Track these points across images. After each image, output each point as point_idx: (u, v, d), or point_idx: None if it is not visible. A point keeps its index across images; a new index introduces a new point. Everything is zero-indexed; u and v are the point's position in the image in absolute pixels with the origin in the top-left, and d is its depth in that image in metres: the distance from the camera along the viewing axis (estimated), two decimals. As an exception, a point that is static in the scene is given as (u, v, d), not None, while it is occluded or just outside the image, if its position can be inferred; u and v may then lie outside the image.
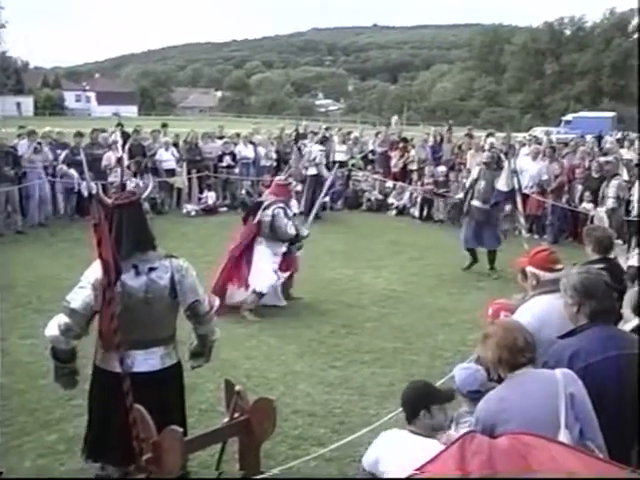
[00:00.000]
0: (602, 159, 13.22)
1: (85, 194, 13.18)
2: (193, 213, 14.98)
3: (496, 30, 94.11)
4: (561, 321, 3.67)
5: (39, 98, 76.28)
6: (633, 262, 4.71)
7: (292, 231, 8.18)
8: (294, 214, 8.79)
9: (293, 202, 9.38)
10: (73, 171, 13.44)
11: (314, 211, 9.70)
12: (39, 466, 4.59)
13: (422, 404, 3.42)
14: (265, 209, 8.15)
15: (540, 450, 2.26)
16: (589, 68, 77.14)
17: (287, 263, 8.43)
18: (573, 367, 3.06)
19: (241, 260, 8.19)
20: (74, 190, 13.63)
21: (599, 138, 23.32)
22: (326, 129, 18.88)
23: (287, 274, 8.48)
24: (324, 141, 15.81)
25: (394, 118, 34.61)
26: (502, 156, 10.49)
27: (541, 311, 3.84)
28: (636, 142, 19.12)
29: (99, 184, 10.94)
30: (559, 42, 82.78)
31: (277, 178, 9.57)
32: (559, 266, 3.94)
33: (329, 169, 14.37)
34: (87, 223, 11.32)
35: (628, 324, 4.22)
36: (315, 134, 17.32)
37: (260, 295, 8.14)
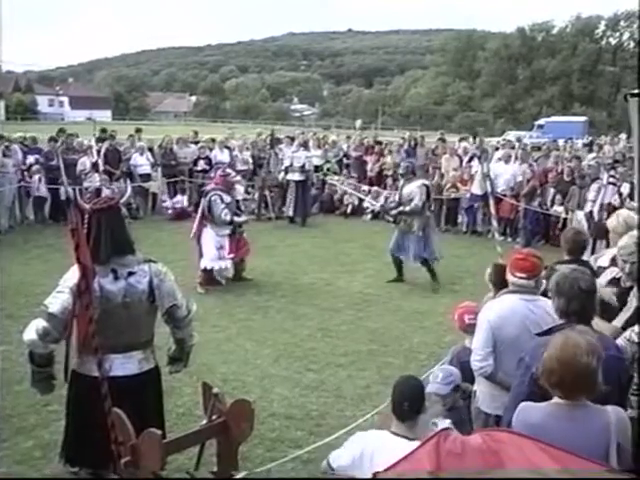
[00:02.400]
0: (584, 163, 13.44)
1: (62, 198, 13.10)
2: (171, 211, 14.98)
3: (470, 36, 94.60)
4: (523, 321, 3.83)
5: (10, 102, 75.07)
6: (602, 263, 4.79)
7: (227, 217, 9.05)
8: (236, 201, 9.65)
9: (238, 189, 10.13)
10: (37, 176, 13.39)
11: None
12: (15, 473, 4.56)
13: (423, 402, 3.27)
14: (205, 196, 9.25)
15: (512, 446, 2.30)
16: (559, 73, 78.07)
17: (234, 247, 9.26)
18: None
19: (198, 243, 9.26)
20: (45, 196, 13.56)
21: (590, 143, 23.99)
22: (302, 134, 18.80)
23: (232, 256, 9.26)
24: (305, 146, 15.67)
25: (358, 122, 35.57)
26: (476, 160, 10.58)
27: (504, 309, 3.94)
28: (605, 146, 19.50)
29: (71, 189, 10.97)
30: (530, 47, 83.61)
31: (219, 171, 10.42)
32: (521, 274, 3.95)
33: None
34: (60, 228, 11.32)
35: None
36: (292, 139, 17.24)
37: (205, 270, 9.09)
